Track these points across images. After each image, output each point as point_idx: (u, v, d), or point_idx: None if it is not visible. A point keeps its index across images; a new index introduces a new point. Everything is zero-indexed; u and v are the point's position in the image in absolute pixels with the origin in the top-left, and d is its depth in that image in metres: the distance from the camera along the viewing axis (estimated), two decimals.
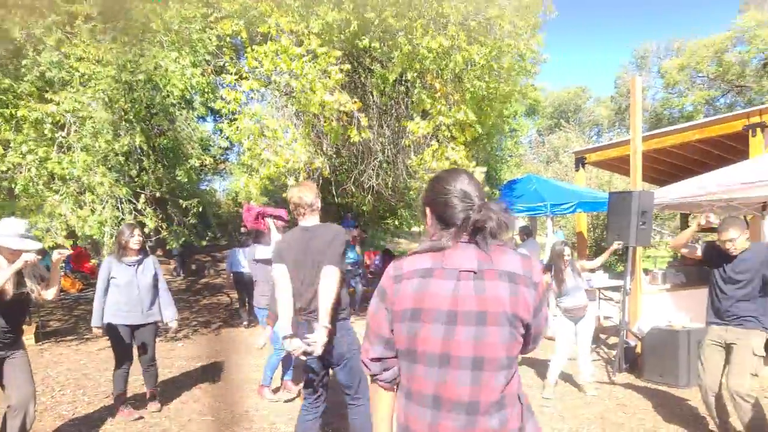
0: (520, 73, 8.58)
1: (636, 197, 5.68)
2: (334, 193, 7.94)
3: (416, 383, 1.44)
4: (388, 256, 11.79)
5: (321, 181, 6.95)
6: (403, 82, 7.99)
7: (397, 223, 12.28)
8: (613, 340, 6.49)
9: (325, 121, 6.71)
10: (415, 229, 13.78)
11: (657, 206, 6.13)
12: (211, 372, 6.13)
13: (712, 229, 4.42)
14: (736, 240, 3.84)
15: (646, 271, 7.97)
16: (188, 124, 7.16)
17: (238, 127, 6.49)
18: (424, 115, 7.42)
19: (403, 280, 1.46)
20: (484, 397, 1.39)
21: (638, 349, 6.02)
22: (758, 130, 7.22)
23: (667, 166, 10.36)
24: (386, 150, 8.21)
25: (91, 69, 5.91)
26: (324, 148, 8.05)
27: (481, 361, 1.39)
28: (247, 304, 8.99)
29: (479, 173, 7.20)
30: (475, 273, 1.41)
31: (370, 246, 12.54)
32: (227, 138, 7.06)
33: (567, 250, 5.29)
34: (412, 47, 6.73)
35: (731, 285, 3.90)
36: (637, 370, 5.87)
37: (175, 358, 6.81)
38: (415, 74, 7.32)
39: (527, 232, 9.82)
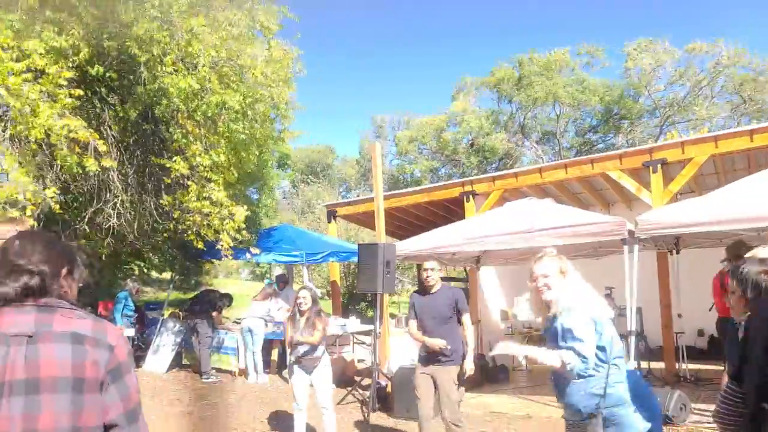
0: (276, 119, 8.69)
1: (381, 249, 6.18)
2: (61, 233, 6.62)
3: None
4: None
5: (44, 219, 5.74)
6: (150, 120, 7.29)
7: (145, 268, 10.76)
8: (367, 381, 6.80)
9: (53, 149, 5.64)
10: (165, 275, 12.28)
11: (398, 257, 6.78)
12: None
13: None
14: (430, 270, 4.40)
15: (393, 316, 8.72)
16: None
17: None
18: (178, 153, 6.87)
19: None
20: None
21: (389, 389, 6.43)
22: (471, 196, 8.82)
23: (405, 223, 11.74)
24: (129, 189, 7.28)
25: None
26: (47, 182, 6.74)
27: None
28: None
29: (241, 212, 6.97)
30: (30, 337, 1.26)
31: (106, 295, 10.35)
32: None
33: (302, 294, 5.02)
34: (158, 84, 6.21)
35: (431, 321, 4.40)
36: (388, 408, 6.22)
37: None
38: (166, 112, 6.75)
39: (284, 281, 9.83)
